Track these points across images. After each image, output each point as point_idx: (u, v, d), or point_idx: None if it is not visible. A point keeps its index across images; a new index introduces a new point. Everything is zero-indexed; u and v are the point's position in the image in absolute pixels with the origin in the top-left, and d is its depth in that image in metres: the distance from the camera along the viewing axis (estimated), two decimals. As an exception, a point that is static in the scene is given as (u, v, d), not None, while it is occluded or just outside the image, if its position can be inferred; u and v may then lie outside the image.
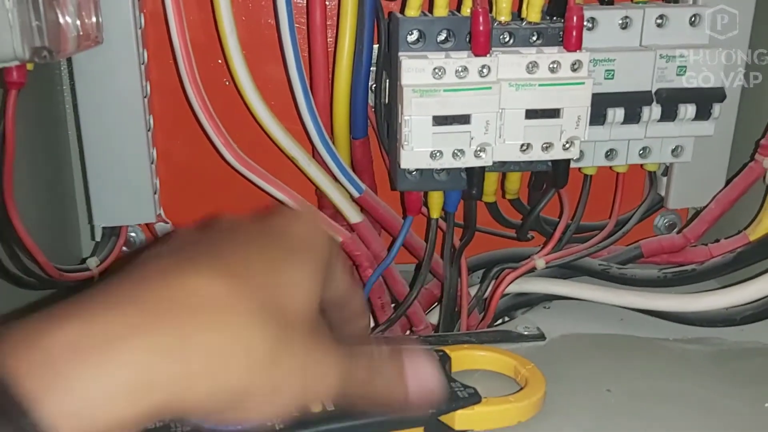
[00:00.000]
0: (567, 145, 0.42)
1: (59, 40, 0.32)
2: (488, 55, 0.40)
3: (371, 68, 0.46)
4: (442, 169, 0.44)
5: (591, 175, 0.49)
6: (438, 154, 0.41)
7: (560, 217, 0.50)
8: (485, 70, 0.40)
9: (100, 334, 0.21)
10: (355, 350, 0.28)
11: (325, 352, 0.26)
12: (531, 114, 0.41)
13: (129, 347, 0.21)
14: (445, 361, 0.38)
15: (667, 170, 0.51)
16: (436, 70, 0.40)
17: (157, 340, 0.21)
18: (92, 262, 0.45)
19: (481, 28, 0.40)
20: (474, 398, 0.36)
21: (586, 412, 0.39)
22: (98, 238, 0.47)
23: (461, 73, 0.40)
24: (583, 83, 0.41)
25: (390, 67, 0.45)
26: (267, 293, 0.25)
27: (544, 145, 0.42)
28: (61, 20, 0.33)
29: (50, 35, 0.31)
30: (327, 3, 0.46)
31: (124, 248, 0.50)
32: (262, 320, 0.24)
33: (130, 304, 0.22)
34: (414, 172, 0.44)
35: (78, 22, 0.36)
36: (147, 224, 0.49)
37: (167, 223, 0.49)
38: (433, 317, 0.52)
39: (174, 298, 0.23)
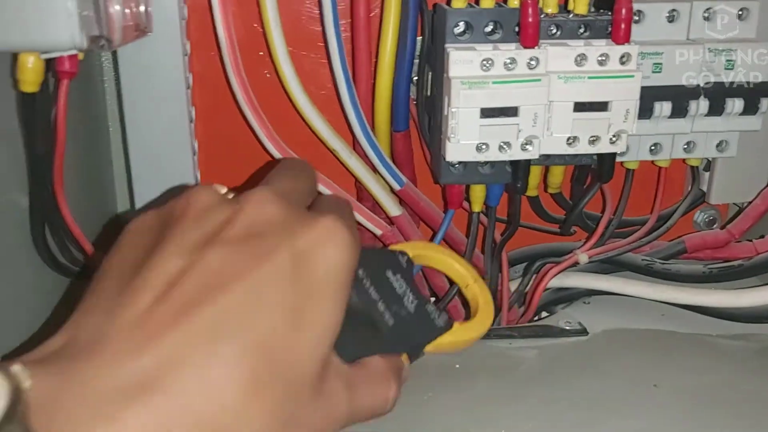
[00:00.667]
0: (614, 139, 0.42)
1: (114, 29, 0.32)
2: (537, 47, 0.40)
3: (414, 61, 0.46)
4: (487, 162, 0.43)
5: (633, 170, 0.48)
6: (484, 146, 0.41)
7: (602, 211, 0.49)
8: (534, 62, 0.40)
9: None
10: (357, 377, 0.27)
11: (330, 414, 0.25)
12: (579, 107, 0.41)
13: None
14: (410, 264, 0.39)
15: (709, 165, 0.50)
16: (485, 62, 0.40)
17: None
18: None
19: (530, 19, 0.39)
20: (448, 325, 0.37)
21: (634, 408, 0.39)
22: (140, 228, 0.47)
23: (510, 65, 0.40)
24: (633, 76, 0.40)
25: (433, 59, 0.45)
26: (278, 361, 0.22)
27: (591, 139, 0.42)
28: (116, 10, 0.33)
29: (106, 23, 0.31)
30: (370, -6, 0.46)
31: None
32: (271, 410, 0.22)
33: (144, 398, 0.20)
34: (458, 165, 0.44)
35: (129, 12, 0.36)
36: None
37: (207, 214, 0.49)
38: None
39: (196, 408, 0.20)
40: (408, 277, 0.40)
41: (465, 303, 0.44)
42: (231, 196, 0.26)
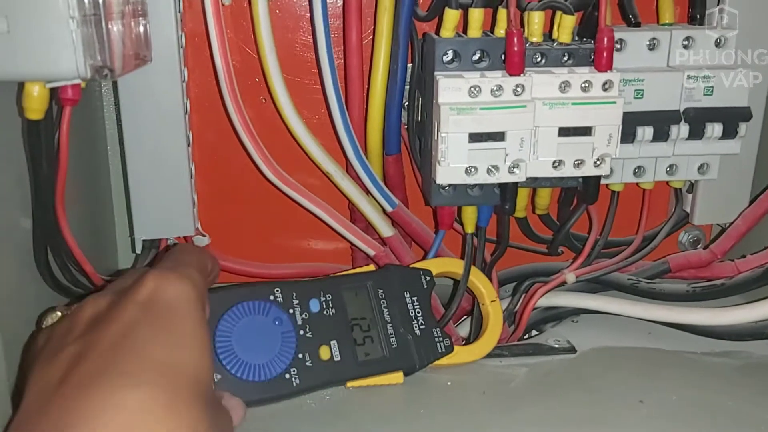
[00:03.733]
0: (598, 162, 0.43)
1: (116, 59, 0.34)
2: (522, 75, 0.42)
3: (405, 87, 0.47)
4: (476, 185, 0.45)
5: (618, 192, 0.50)
6: (473, 170, 0.42)
7: (589, 232, 0.51)
8: (519, 89, 0.42)
9: None
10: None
11: (225, 418, 0.33)
12: (564, 132, 0.42)
13: None
14: (431, 285, 0.45)
15: (692, 187, 0.52)
16: (472, 89, 0.41)
17: None
18: (133, 274, 0.47)
19: (515, 48, 0.41)
20: (449, 350, 0.43)
21: (620, 423, 0.40)
22: (138, 250, 0.48)
23: (496, 92, 0.41)
24: (615, 102, 0.42)
25: (423, 85, 0.47)
26: (174, 384, 0.28)
27: (576, 162, 0.43)
28: (118, 39, 0.34)
29: (109, 54, 0.33)
30: (362, 24, 0.47)
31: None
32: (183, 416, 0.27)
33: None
34: (448, 188, 0.45)
35: (130, 42, 0.37)
36: (185, 237, 0.50)
37: (204, 236, 0.50)
38: (462, 329, 0.53)
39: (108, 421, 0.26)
40: (425, 298, 0.43)
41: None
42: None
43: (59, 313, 0.34)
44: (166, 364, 0.28)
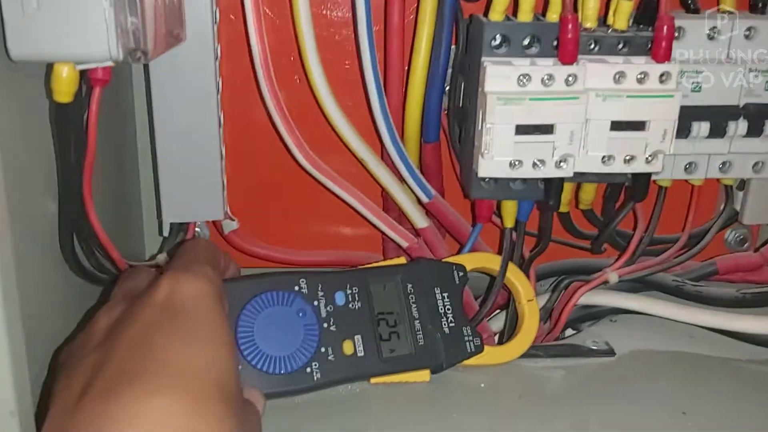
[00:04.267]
0: (650, 159, 0.41)
1: (150, 40, 0.32)
2: (575, 64, 0.39)
3: (447, 70, 0.45)
4: (518, 178, 0.43)
5: (666, 188, 0.48)
6: (518, 163, 0.40)
7: (633, 229, 0.49)
8: (572, 79, 0.39)
9: None
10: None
11: (252, 416, 0.32)
12: (616, 125, 0.40)
13: None
14: (464, 281, 0.44)
15: (743, 184, 0.49)
16: (522, 78, 0.39)
17: None
18: (161, 258, 0.45)
19: (569, 35, 0.39)
20: (478, 350, 0.42)
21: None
22: (166, 233, 0.47)
23: (547, 82, 0.39)
24: (672, 96, 0.40)
25: (467, 70, 0.44)
26: (198, 386, 0.27)
27: (627, 158, 0.41)
28: (153, 19, 0.32)
29: (143, 35, 0.31)
30: (405, 2, 0.45)
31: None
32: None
33: None
34: (489, 180, 0.43)
35: (164, 20, 0.35)
36: (213, 221, 0.49)
37: (233, 220, 0.49)
38: (495, 323, 0.51)
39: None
40: (456, 294, 0.42)
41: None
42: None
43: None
44: (189, 367, 0.27)
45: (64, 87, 0.31)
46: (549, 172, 0.41)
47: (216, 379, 0.28)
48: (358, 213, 0.47)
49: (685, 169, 0.46)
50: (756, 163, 0.46)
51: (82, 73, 0.33)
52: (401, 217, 0.49)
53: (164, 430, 0.25)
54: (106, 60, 0.30)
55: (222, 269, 0.37)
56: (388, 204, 0.49)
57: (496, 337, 0.49)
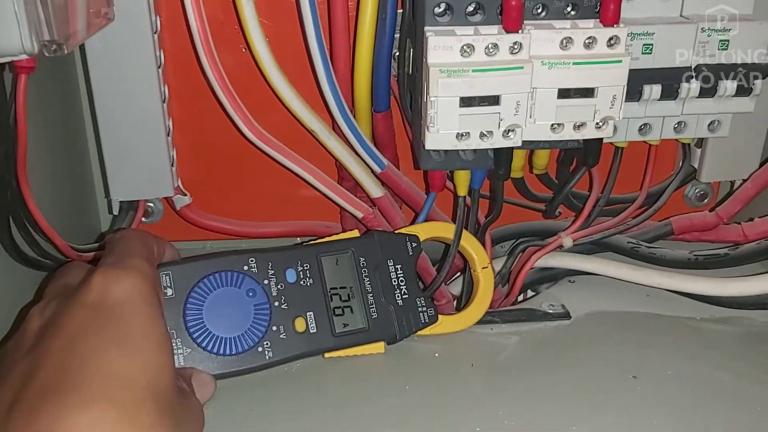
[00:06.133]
0: (600, 125, 0.40)
1: (68, 28, 0.31)
2: (520, 31, 0.38)
3: (395, 36, 0.44)
4: (469, 149, 0.42)
5: (622, 148, 0.47)
6: (465, 135, 0.39)
7: (589, 190, 0.48)
8: (516, 47, 0.38)
9: None
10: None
11: (191, 416, 0.31)
12: (564, 93, 0.39)
13: None
14: (417, 252, 0.43)
15: (701, 141, 0.49)
16: (465, 48, 0.38)
17: None
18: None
19: (513, 2, 0.37)
20: (432, 320, 0.42)
21: (612, 401, 0.38)
22: (116, 212, 0.46)
23: (491, 51, 0.38)
24: (620, 61, 0.38)
25: (414, 35, 0.43)
26: (129, 395, 0.27)
27: (576, 125, 0.40)
28: (65, 9, 0.31)
29: (59, 24, 0.30)
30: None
31: (143, 219, 0.49)
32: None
33: None
34: (439, 152, 0.42)
35: (88, 4, 0.34)
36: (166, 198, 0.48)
37: (185, 195, 0.48)
38: (455, 287, 0.51)
39: None
40: (409, 265, 0.42)
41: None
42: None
43: None
44: (119, 375, 0.27)
45: (-19, 81, 0.30)
46: (497, 142, 0.40)
47: (148, 385, 0.27)
48: (310, 185, 0.47)
49: (640, 130, 0.46)
50: (711, 122, 0.46)
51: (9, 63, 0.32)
52: (356, 187, 0.48)
53: None
54: (21, 54, 0.29)
55: (157, 257, 0.36)
56: (342, 173, 0.48)
57: (455, 302, 0.50)
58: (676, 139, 0.48)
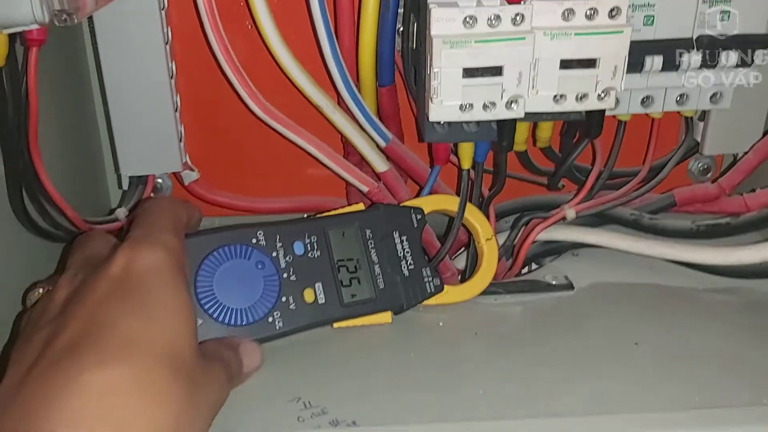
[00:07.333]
0: (602, 95, 0.40)
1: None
2: (522, 2, 0.39)
3: (399, 10, 0.44)
4: (471, 121, 0.43)
5: (625, 122, 0.47)
6: (468, 106, 0.40)
7: (592, 164, 0.49)
8: (519, 18, 0.38)
9: None
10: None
11: (211, 382, 0.31)
12: (565, 64, 0.39)
13: None
14: (422, 224, 0.44)
15: (704, 115, 0.49)
16: (467, 20, 0.38)
17: None
18: (120, 213, 0.45)
19: (515, -27, 0.38)
20: (438, 290, 0.43)
21: (613, 367, 0.39)
22: (125, 187, 0.47)
23: (494, 22, 0.38)
24: (622, 32, 0.39)
25: (417, 9, 0.43)
26: (145, 357, 0.27)
27: (579, 95, 0.40)
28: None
29: (68, -3, 0.30)
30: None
31: (152, 195, 0.50)
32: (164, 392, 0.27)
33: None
34: (442, 124, 0.43)
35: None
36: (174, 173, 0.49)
37: (193, 170, 0.49)
38: (459, 262, 0.52)
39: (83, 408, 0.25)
40: (415, 237, 0.42)
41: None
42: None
43: (41, 290, 0.34)
44: (136, 339, 0.27)
45: (-5, 51, 0.31)
46: (500, 113, 0.40)
47: (165, 350, 0.28)
48: (317, 159, 0.47)
49: (642, 102, 0.46)
50: (714, 94, 0.46)
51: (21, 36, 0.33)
52: (362, 161, 0.49)
53: (108, 401, 0.25)
54: (32, 24, 0.30)
55: (186, 224, 0.37)
56: (348, 148, 0.49)
57: (460, 276, 0.50)
58: (678, 113, 0.48)
